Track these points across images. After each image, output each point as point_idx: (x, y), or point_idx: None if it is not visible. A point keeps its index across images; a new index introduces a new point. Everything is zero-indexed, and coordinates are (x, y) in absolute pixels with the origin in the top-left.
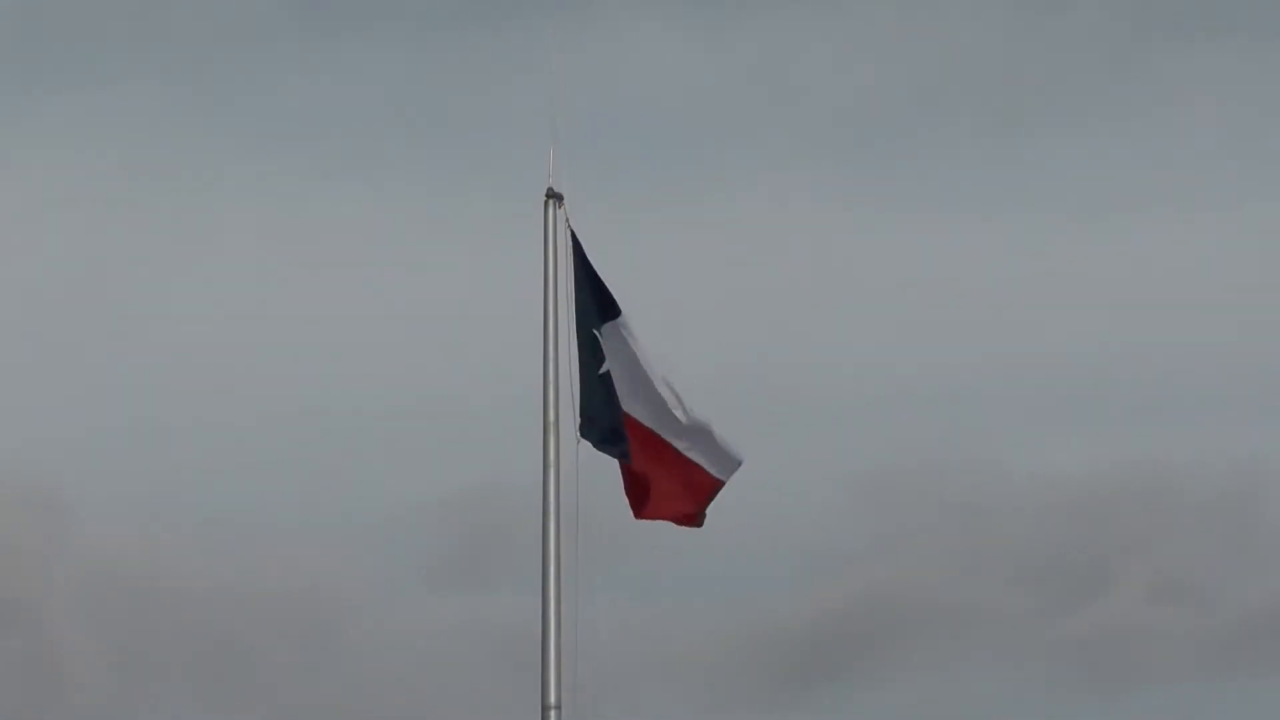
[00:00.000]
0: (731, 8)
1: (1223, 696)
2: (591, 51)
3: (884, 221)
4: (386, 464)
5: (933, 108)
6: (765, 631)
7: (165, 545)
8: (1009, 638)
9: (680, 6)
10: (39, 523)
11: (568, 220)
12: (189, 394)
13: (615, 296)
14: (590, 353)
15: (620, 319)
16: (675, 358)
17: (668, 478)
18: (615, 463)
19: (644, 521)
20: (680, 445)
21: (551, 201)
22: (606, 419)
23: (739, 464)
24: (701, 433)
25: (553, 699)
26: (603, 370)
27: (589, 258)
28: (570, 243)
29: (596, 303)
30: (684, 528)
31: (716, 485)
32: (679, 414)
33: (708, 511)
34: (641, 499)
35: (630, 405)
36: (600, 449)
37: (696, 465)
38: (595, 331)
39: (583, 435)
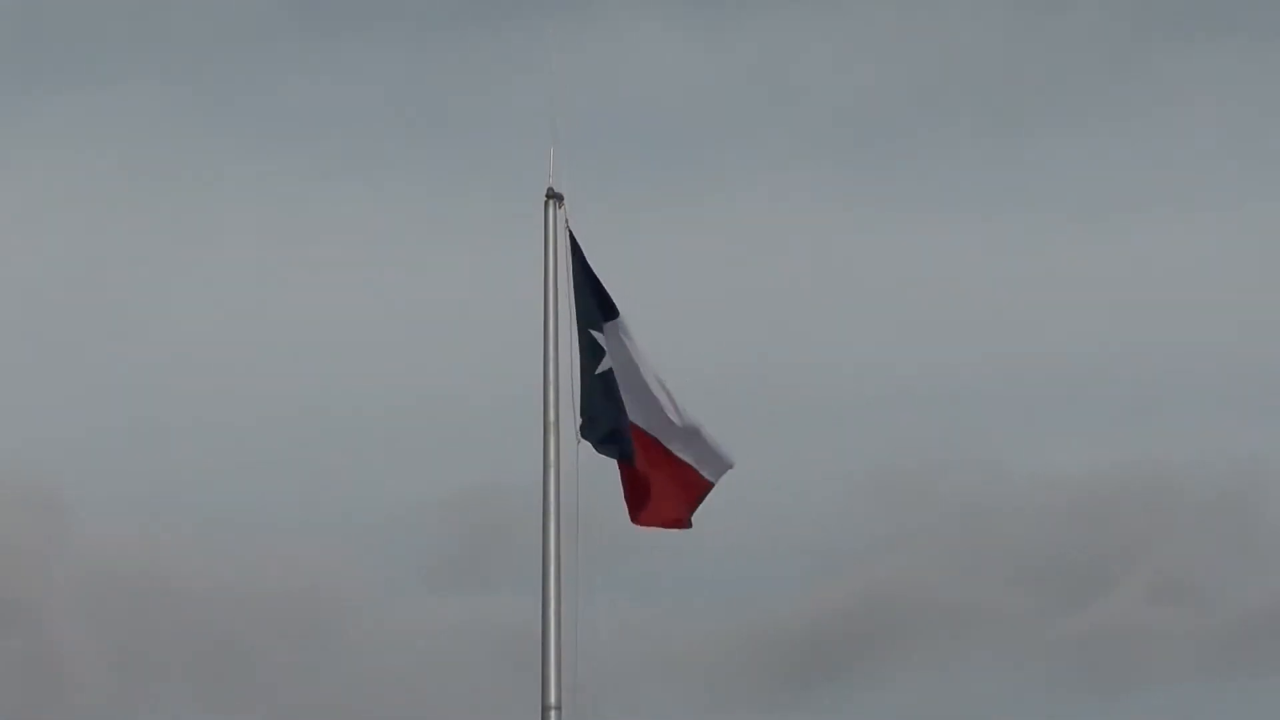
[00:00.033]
0: (731, 8)
1: (1223, 696)
2: (591, 51)
3: (884, 221)
4: (386, 464)
5: (933, 108)
6: (765, 631)
7: (165, 545)
8: (1009, 638)
9: (680, 6)
10: (39, 523)
11: (567, 221)
12: (189, 394)
13: (615, 297)
14: (590, 353)
15: (618, 320)
16: (675, 358)
17: (664, 480)
18: (615, 462)
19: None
20: (674, 447)
21: (552, 202)
22: (608, 419)
23: (729, 466)
24: (693, 434)
25: (553, 699)
26: (600, 369)
27: (588, 259)
28: (569, 243)
29: (596, 303)
30: (677, 530)
31: (706, 487)
32: (672, 416)
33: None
34: (639, 504)
35: (630, 409)
36: (601, 450)
37: (689, 466)
38: (595, 332)
39: (583, 435)
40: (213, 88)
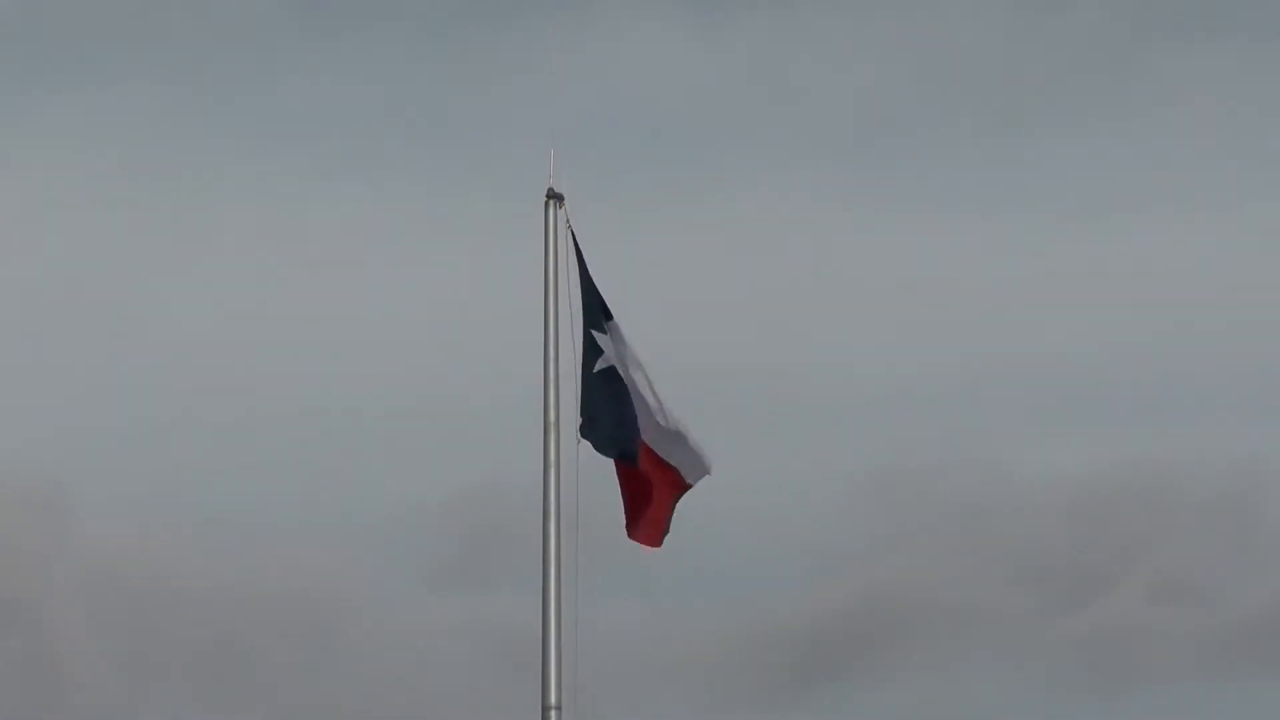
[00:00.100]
0: (731, 8)
1: (1223, 696)
2: (591, 51)
3: (884, 221)
4: (386, 464)
5: (933, 108)
6: (765, 631)
7: (165, 545)
8: (1009, 638)
9: (680, 6)
10: (39, 523)
11: (568, 221)
12: (189, 394)
13: (615, 296)
14: (590, 352)
15: (612, 322)
16: (675, 358)
17: (655, 485)
18: (614, 463)
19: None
20: (660, 450)
21: (552, 202)
22: (608, 419)
23: (707, 471)
24: (679, 438)
25: (553, 699)
26: (598, 369)
27: (586, 260)
28: (571, 243)
29: (596, 304)
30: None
31: (685, 488)
32: (660, 419)
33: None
34: (635, 516)
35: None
36: (601, 451)
37: (671, 468)
38: (597, 332)
39: (583, 435)
40: (212, 88)
